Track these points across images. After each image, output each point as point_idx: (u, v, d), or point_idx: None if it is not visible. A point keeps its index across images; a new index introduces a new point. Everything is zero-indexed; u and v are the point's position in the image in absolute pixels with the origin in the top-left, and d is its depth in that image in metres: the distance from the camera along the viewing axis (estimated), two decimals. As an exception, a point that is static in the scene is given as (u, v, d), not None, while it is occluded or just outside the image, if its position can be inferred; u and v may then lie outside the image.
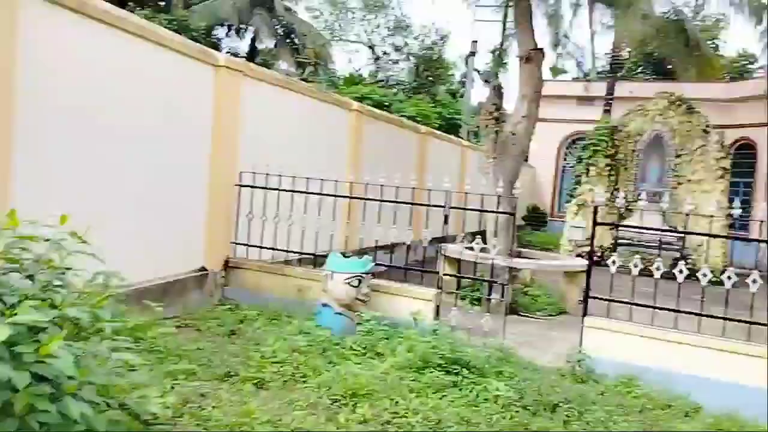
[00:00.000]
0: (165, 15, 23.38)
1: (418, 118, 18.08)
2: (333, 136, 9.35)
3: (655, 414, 4.73)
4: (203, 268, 6.85)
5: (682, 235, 14.07)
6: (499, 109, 9.40)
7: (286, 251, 7.12)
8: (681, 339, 5.31)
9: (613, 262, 5.68)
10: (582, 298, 6.12)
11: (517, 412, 4.38)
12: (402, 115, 16.66)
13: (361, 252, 6.95)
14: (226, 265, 7.19)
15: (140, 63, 5.73)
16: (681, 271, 5.40)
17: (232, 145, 7.06)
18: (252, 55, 27.91)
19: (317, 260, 7.07)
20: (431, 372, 4.78)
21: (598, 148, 15.21)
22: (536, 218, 22.14)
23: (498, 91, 9.55)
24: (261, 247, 7.15)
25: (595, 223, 5.93)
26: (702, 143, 14.68)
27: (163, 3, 27.77)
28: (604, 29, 16.94)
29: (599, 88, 21.62)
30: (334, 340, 5.51)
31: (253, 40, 28.45)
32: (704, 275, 5.35)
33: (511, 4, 11.45)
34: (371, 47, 23.76)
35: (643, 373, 5.29)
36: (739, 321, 5.26)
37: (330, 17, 23.16)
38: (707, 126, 14.84)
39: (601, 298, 5.72)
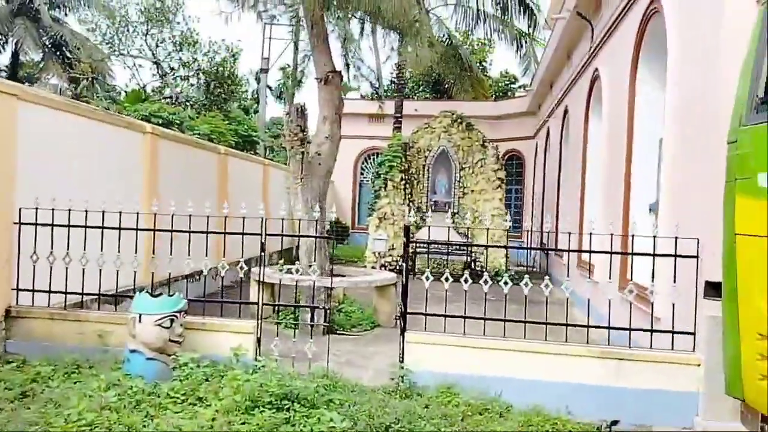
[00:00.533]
0: None
1: (213, 136, 17.49)
2: (127, 161, 8.61)
3: (475, 420, 5.05)
4: (-23, 323, 5.86)
5: (472, 241, 15.44)
6: (303, 131, 9.42)
7: (82, 294, 6.38)
8: (489, 345, 5.74)
9: (427, 278, 5.95)
10: (399, 314, 6.35)
11: (354, 440, 4.38)
12: (195, 134, 15.97)
13: (167, 283, 6.50)
14: (8, 316, 6.23)
15: None
16: (486, 282, 5.82)
17: (6, 178, 6.14)
18: (14, 68, 24.84)
19: (119, 300, 6.47)
20: (262, 412, 4.59)
21: (393, 163, 16.02)
22: (339, 231, 22.64)
23: (301, 112, 9.55)
24: (50, 292, 6.31)
25: (408, 242, 6.15)
26: (481, 157, 16.20)
27: None
28: (393, 53, 17.90)
29: (388, 107, 22.88)
30: (149, 390, 5.05)
31: (16, 52, 25.38)
32: (505, 283, 5.83)
33: (303, 25, 11.57)
34: (156, 62, 22.40)
35: (460, 381, 5.62)
36: (537, 323, 5.83)
37: (109, 30, 21.39)
38: (484, 141, 16.42)
39: (417, 313, 5.97)
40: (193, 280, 9.50)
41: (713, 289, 4.62)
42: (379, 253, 15.28)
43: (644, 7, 7.58)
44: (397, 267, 15.62)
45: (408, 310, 5.98)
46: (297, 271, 6.66)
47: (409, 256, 6.16)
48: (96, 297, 6.52)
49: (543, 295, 5.73)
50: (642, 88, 7.99)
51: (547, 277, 5.75)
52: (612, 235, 5.59)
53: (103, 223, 6.26)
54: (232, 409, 4.64)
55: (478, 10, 18.24)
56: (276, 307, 8.12)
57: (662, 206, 6.58)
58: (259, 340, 6.07)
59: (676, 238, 5.42)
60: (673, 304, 5.42)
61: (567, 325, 5.73)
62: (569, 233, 5.89)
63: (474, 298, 6.00)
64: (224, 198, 12.00)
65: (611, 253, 5.66)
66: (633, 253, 5.61)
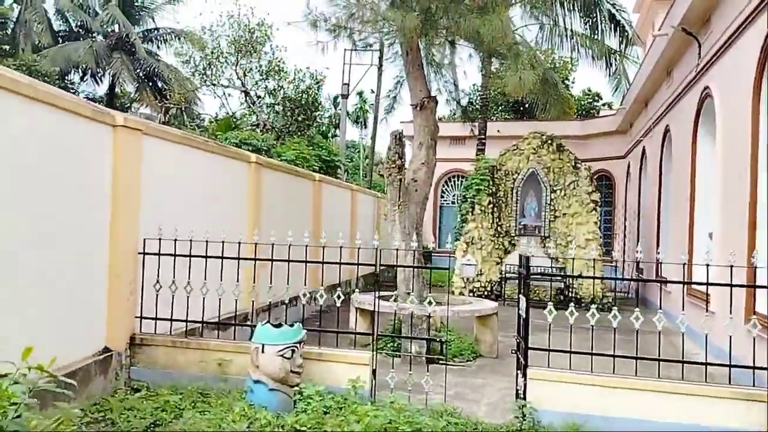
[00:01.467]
0: (11, 59, 21.42)
1: (298, 162, 17.85)
2: (235, 190, 8.87)
3: (613, 464, 4.77)
4: (107, 349, 6.07)
5: (564, 266, 14.95)
6: (401, 158, 9.41)
7: (202, 323, 6.53)
8: (618, 383, 5.43)
9: (550, 312, 5.71)
10: (516, 347, 6.14)
11: (490, 484, 4.20)
12: (283, 159, 16.36)
13: (265, 309, 6.61)
14: (132, 343, 6.44)
15: (29, 127, 5.02)
16: (615, 316, 5.52)
17: (133, 210, 6.39)
18: (111, 99, 26.34)
19: (225, 327, 6.62)
20: (393, 450, 4.50)
21: (481, 187, 15.79)
22: (423, 256, 22.50)
23: (399, 140, 9.55)
24: (171, 320, 6.49)
25: (528, 274, 5.93)
26: (573, 178, 15.72)
27: (7, 47, 25.52)
28: (475, 74, 17.82)
29: (469, 128, 22.72)
30: (275, 422, 5.06)
31: (112, 84, 26.94)
32: (636, 318, 5.51)
33: (398, 52, 11.63)
34: (245, 92, 23.17)
35: (586, 422, 5.34)
36: (673, 361, 5.49)
37: (202, 62, 22.32)
38: (577, 162, 15.95)
39: (540, 349, 5.74)
40: (291, 306, 9.62)
41: None
42: (467, 279, 15.04)
43: (770, 22, 7.14)
44: (486, 293, 15.31)
45: (530, 344, 5.76)
46: (396, 299, 6.59)
47: (528, 288, 5.94)
48: (205, 324, 6.68)
49: (646, 326, 5.39)
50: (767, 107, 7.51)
51: (682, 315, 5.40)
52: (755, 267, 5.20)
53: (222, 253, 6.40)
54: (361, 446, 4.57)
55: (565, 29, 17.91)
56: (367, 335, 8.08)
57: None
58: (374, 372, 6.00)
59: (831, 271, 4.99)
60: (828, 344, 4.97)
61: (706, 364, 5.37)
62: (727, 265, 5.39)
63: (568, 327, 5.68)
64: (319, 224, 12.16)
65: (755, 287, 5.26)
66: (778, 288, 5.19)
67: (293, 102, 22.99)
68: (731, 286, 5.24)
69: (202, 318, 6.50)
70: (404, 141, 9.72)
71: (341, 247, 6.22)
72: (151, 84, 27.82)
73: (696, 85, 10.81)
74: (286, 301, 6.33)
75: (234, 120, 24.73)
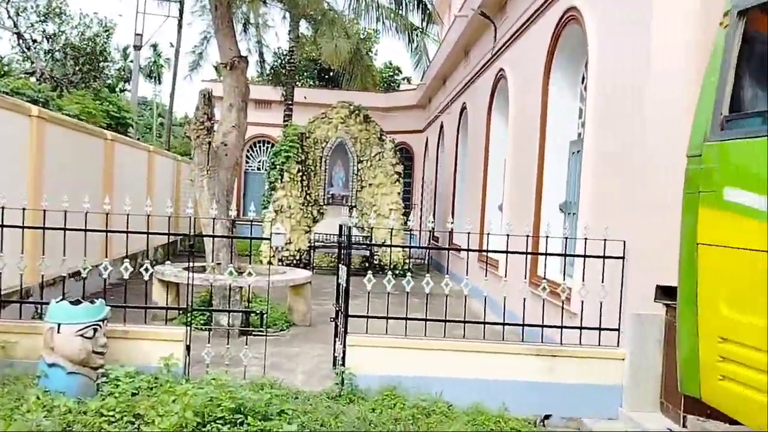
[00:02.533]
0: None
1: (82, 117, 16.09)
2: (13, 148, 7.68)
3: (426, 422, 5.06)
4: None
5: (369, 235, 15.47)
6: (210, 119, 8.88)
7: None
8: (430, 345, 5.77)
9: (369, 280, 5.83)
10: (335, 315, 6.21)
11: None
12: (64, 113, 14.60)
13: (50, 284, 5.93)
14: None
15: None
16: (427, 283, 5.81)
17: None
18: None
19: (15, 305, 5.78)
20: (215, 429, 4.28)
21: (290, 154, 15.62)
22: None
23: (208, 100, 8.97)
24: (-66, 300, 5.48)
25: (350, 244, 5.99)
26: (379, 150, 16.22)
27: None
28: (282, 37, 17.48)
29: (276, 93, 22.28)
30: (78, 408, 4.54)
31: None
32: (446, 284, 5.86)
33: (206, 6, 10.93)
34: (17, 34, 20.14)
35: (400, 383, 5.59)
36: (476, 323, 5.96)
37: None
38: (382, 134, 16.46)
39: (360, 316, 5.85)
40: (79, 280, 8.72)
41: (665, 294, 4.94)
42: (276, 248, 14.86)
43: (560, 13, 7.90)
44: (294, 261, 15.28)
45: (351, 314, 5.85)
46: (210, 270, 6.30)
47: (350, 257, 6.02)
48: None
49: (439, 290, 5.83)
50: (554, 92, 8.37)
51: (485, 280, 5.84)
52: (547, 237, 5.81)
53: (2, 221, 5.52)
54: (179, 428, 4.27)
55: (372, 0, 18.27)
56: (181, 310, 7.64)
57: (582, 209, 6.93)
58: (188, 348, 5.66)
59: (605, 240, 5.73)
60: (601, 303, 5.74)
61: (504, 324, 5.91)
62: (519, 234, 5.96)
63: (376, 293, 5.94)
64: (111, 188, 11.11)
65: (546, 254, 5.88)
66: (566, 255, 5.88)
67: (77, 50, 20.55)
68: (537, 254, 5.81)
69: (-15, 295, 5.59)
70: (213, 101, 9.17)
71: (148, 216, 5.72)
72: None
73: (491, 67, 11.71)
74: (85, 275, 5.66)
75: (3, 66, 21.46)
